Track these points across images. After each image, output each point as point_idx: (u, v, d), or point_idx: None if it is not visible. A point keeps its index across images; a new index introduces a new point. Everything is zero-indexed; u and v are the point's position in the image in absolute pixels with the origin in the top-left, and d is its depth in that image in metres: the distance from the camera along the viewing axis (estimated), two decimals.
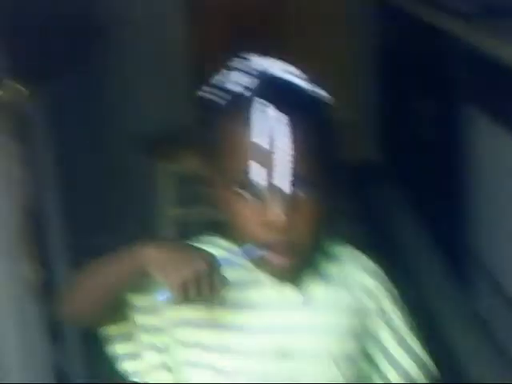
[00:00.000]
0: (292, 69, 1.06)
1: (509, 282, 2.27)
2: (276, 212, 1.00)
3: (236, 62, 1.06)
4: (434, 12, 2.83)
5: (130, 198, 3.21)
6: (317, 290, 1.11)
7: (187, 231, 2.74)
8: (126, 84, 3.40)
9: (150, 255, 0.99)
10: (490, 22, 2.42)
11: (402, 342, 1.17)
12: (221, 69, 1.06)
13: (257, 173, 0.99)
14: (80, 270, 1.08)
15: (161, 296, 0.97)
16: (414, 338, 1.18)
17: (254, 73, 1.04)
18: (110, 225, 2.88)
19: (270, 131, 0.99)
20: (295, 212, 1.02)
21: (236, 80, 1.03)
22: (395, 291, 1.19)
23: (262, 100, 1.00)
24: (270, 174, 0.99)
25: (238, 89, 1.03)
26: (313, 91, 1.05)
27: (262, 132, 0.99)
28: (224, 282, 1.00)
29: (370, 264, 1.18)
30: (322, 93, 1.06)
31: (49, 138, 2.15)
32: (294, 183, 1.01)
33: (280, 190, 1.00)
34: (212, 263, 0.99)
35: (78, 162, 2.66)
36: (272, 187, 1.00)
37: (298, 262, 1.07)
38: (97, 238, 2.50)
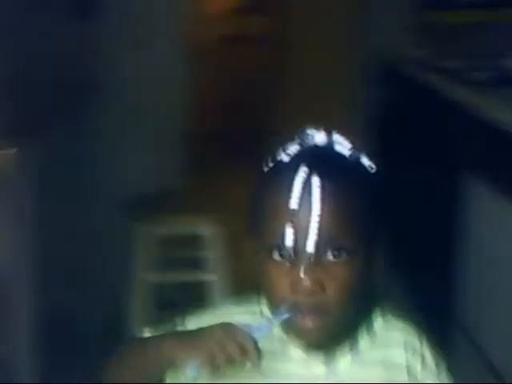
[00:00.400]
0: (335, 137, 1.08)
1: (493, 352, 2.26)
2: (305, 273, 1.01)
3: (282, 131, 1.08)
4: (441, 78, 2.86)
5: (108, 261, 3.15)
6: (344, 363, 1.10)
7: (165, 294, 2.70)
8: (113, 147, 3.36)
9: (172, 346, 1.03)
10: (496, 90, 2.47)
11: None
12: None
13: (291, 236, 1.01)
14: (112, 356, 1.11)
15: (192, 372, 1.00)
16: None
17: (299, 140, 1.08)
18: (85, 289, 2.83)
19: (308, 196, 1.01)
20: (326, 275, 1.02)
21: (281, 147, 1.08)
22: (436, 370, 1.13)
23: (303, 167, 1.02)
24: (304, 238, 1.01)
25: (281, 155, 1.07)
26: (355, 160, 1.07)
27: (299, 196, 1.01)
28: (254, 343, 1.00)
29: (411, 339, 1.13)
30: (366, 162, 1.08)
31: (28, 199, 2.11)
32: (327, 248, 1.02)
33: (312, 254, 1.01)
34: (234, 329, 1.01)
35: (57, 225, 2.60)
36: (304, 250, 1.01)
37: (327, 327, 1.05)
38: (72, 302, 2.45)
